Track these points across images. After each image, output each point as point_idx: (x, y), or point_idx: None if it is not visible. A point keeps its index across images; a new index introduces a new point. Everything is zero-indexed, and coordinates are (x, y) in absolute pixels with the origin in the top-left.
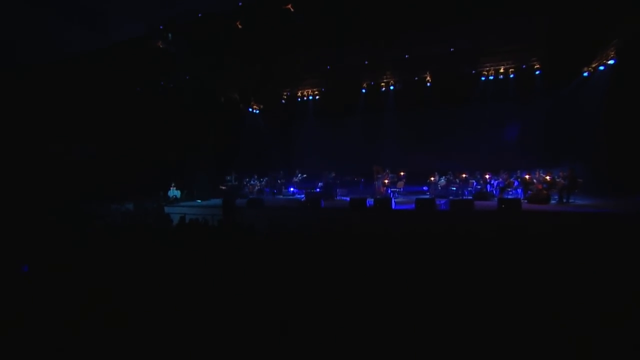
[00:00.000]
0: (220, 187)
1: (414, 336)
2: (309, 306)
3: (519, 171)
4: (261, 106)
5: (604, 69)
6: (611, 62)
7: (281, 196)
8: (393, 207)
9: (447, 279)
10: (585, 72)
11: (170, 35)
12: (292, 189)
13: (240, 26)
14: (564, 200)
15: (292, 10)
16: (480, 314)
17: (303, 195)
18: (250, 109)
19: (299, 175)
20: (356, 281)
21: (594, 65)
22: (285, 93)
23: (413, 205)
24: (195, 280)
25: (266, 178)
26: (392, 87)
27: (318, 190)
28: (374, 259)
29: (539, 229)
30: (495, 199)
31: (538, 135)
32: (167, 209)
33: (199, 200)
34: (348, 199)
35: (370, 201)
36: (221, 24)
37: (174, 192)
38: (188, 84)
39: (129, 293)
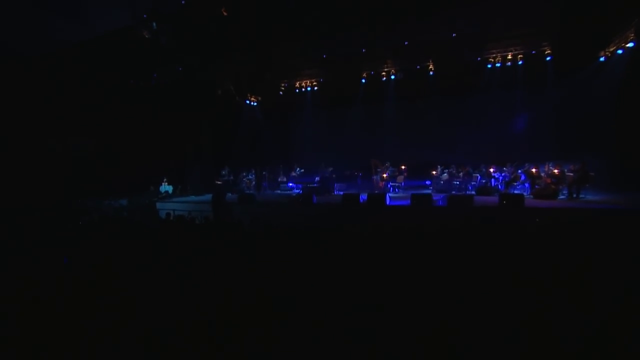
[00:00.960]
0: (216, 182)
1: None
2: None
3: (527, 164)
4: (259, 98)
5: (622, 53)
6: (630, 44)
7: (279, 191)
8: (388, 203)
9: (438, 278)
10: (602, 56)
11: (154, 24)
12: (290, 184)
13: (225, 13)
14: (574, 196)
15: None
16: (470, 316)
17: (301, 190)
18: (248, 101)
19: (297, 169)
20: (340, 282)
21: (611, 49)
22: (283, 84)
23: (409, 201)
24: (173, 278)
25: (264, 172)
26: (392, 77)
27: (316, 185)
28: (363, 258)
29: (540, 226)
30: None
31: (548, 127)
32: (158, 205)
33: (193, 196)
34: None
35: (364, 196)
36: (206, 11)
37: (165, 187)
38: (182, 76)
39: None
